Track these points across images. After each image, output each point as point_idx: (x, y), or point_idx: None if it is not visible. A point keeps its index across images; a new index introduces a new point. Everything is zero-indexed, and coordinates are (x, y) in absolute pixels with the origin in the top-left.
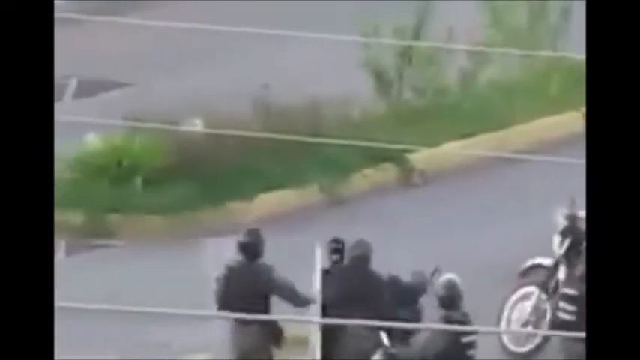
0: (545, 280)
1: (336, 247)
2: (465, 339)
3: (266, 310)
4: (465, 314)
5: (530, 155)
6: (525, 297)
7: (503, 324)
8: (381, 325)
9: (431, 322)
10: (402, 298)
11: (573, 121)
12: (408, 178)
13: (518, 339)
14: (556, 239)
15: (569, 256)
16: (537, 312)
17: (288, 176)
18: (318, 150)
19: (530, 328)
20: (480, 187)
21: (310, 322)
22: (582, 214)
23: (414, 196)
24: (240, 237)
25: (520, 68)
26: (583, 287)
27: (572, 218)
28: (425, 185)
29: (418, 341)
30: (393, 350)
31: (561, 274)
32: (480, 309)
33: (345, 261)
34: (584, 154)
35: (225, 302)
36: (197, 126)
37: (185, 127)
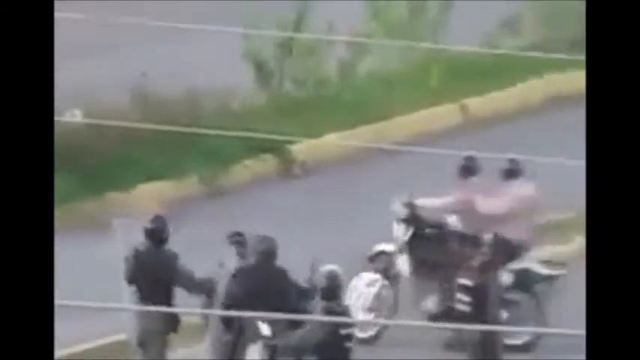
0: (388, 267)
1: (239, 240)
2: (344, 331)
3: (168, 294)
4: (345, 306)
5: (408, 147)
6: (370, 284)
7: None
8: (264, 317)
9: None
10: (304, 295)
11: (452, 113)
12: (289, 169)
13: (360, 325)
14: (396, 227)
15: (412, 243)
16: (380, 299)
17: (168, 167)
18: (198, 141)
19: (373, 316)
20: (360, 178)
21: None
22: (421, 202)
23: (295, 187)
24: (148, 223)
25: (400, 60)
26: (479, 278)
27: (410, 206)
28: (305, 176)
29: (298, 332)
30: (274, 341)
31: (402, 261)
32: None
33: (250, 257)
34: (461, 147)
35: (133, 280)
36: (77, 116)
37: (65, 118)
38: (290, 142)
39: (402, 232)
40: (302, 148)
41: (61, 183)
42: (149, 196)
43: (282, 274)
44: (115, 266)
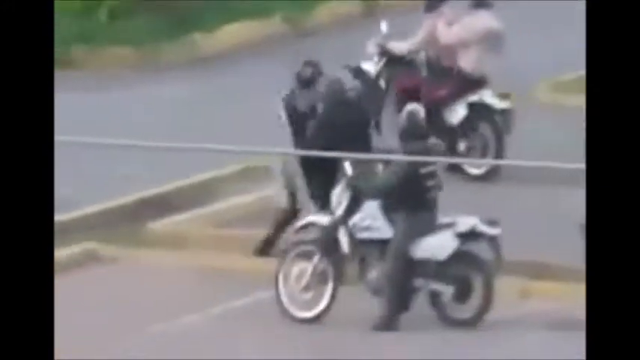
0: (326, 240)
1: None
2: (424, 170)
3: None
4: (426, 146)
5: None
6: (304, 257)
7: (280, 284)
8: (347, 157)
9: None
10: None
11: None
12: (373, 10)
13: (302, 304)
14: (334, 199)
15: (346, 216)
16: (317, 275)
17: (252, 7)
18: None
19: (312, 294)
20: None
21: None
22: (391, 45)
23: (376, 26)
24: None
25: None
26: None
27: (382, 47)
28: (385, 13)
29: (380, 172)
30: (357, 181)
31: (341, 234)
32: None
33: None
34: None
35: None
36: None
37: None
38: None
39: (335, 205)
40: None
41: (144, 23)
42: (234, 36)
43: (365, 117)
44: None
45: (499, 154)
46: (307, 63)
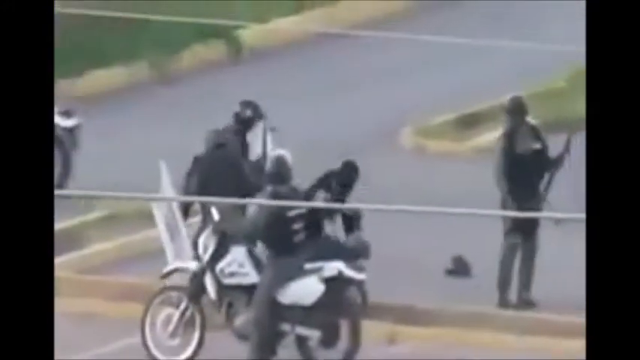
0: (193, 286)
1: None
2: (292, 213)
3: None
4: (293, 189)
5: (358, 31)
6: (171, 303)
7: (147, 330)
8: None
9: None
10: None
11: None
12: (238, 54)
13: (169, 350)
14: (201, 245)
15: (213, 262)
16: (184, 321)
17: (119, 53)
18: (148, 26)
19: (179, 340)
20: (310, 63)
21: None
22: None
23: (244, 72)
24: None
25: None
26: None
27: None
28: (254, 61)
29: (247, 216)
30: (224, 225)
31: (208, 279)
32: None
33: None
34: (411, 30)
35: None
36: None
37: None
38: (239, 27)
39: (201, 250)
40: (250, 34)
41: None
42: (99, 82)
43: (237, 162)
44: None
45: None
46: (246, 104)
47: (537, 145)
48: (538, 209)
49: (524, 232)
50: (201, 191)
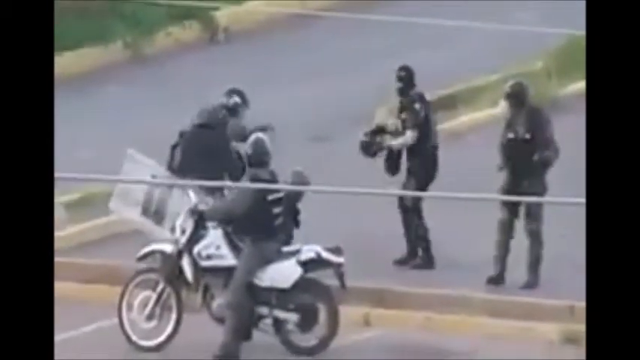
0: (169, 268)
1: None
2: (271, 197)
3: None
4: (272, 172)
5: (331, 12)
6: (147, 286)
7: (124, 312)
8: (193, 184)
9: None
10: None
11: None
12: (213, 35)
13: (145, 332)
14: (178, 227)
15: (190, 244)
16: (161, 303)
17: (92, 34)
18: (122, 7)
19: (155, 322)
20: (285, 45)
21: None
22: None
23: (219, 53)
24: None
25: None
26: None
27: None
28: (228, 43)
29: (226, 199)
30: (201, 207)
31: (185, 262)
32: (289, 167)
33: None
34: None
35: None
36: None
37: None
38: (213, 9)
39: (178, 231)
40: (225, 15)
41: None
42: (74, 63)
43: (223, 142)
44: None
45: None
46: (232, 91)
47: (527, 135)
48: (534, 193)
49: (517, 214)
50: (184, 167)
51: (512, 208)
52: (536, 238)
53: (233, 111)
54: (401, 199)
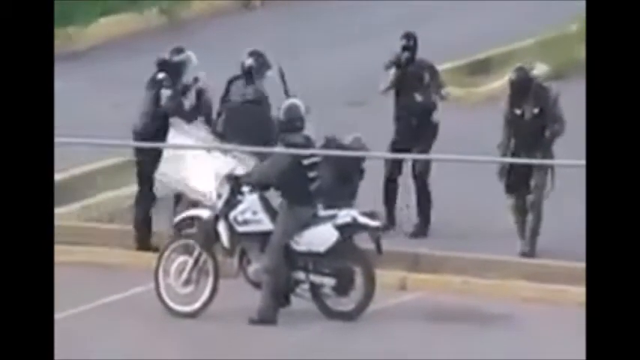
0: (206, 234)
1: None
2: (307, 161)
3: None
4: (307, 137)
5: None
6: (184, 251)
7: (160, 278)
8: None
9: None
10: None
11: None
12: (248, 2)
13: (182, 298)
14: (215, 191)
15: (227, 209)
16: (198, 269)
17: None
18: None
19: (192, 288)
20: (320, 9)
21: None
22: None
23: (254, 19)
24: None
25: None
26: None
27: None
28: (264, 8)
29: (262, 164)
30: (237, 173)
31: (221, 227)
32: (325, 130)
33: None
34: None
35: None
36: None
37: None
38: None
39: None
40: None
41: None
42: (108, 29)
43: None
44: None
45: None
46: (252, 53)
47: (535, 111)
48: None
49: (525, 197)
50: (228, 137)
51: (519, 192)
52: (536, 211)
53: (255, 72)
54: (413, 168)
